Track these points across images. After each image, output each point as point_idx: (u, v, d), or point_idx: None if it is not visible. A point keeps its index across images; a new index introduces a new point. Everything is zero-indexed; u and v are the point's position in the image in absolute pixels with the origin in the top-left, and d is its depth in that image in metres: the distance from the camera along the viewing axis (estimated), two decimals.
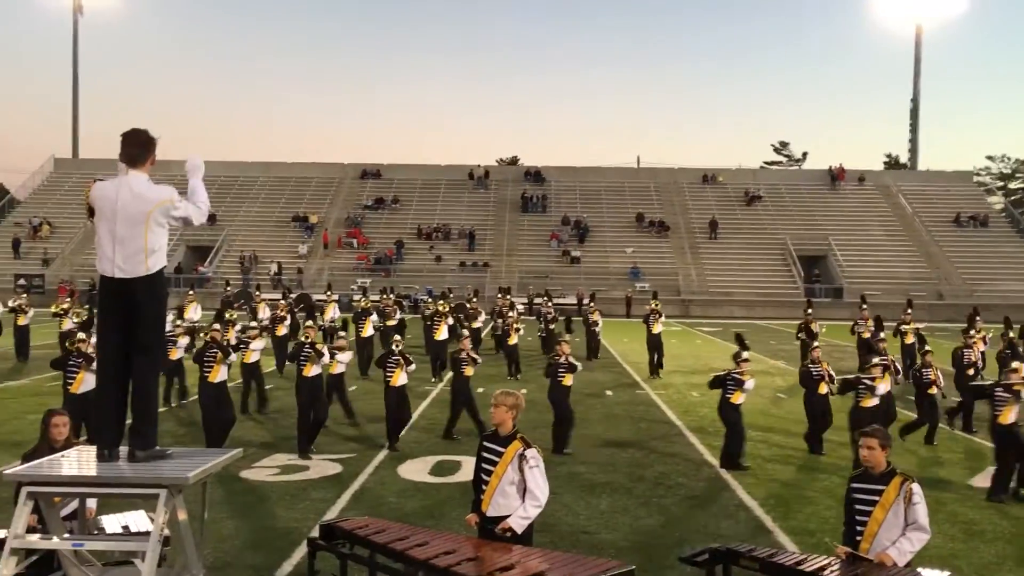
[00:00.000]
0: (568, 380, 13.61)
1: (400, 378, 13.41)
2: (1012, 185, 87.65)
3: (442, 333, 22.35)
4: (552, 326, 26.68)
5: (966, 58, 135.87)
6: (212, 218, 56.39)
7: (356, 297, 29.07)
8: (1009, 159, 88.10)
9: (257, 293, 28.99)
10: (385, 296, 29.13)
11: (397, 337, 14.34)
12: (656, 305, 24.73)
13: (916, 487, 5.76)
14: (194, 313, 25.41)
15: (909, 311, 22.85)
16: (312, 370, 13.15)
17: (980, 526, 9.72)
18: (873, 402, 12.55)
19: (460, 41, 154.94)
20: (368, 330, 22.42)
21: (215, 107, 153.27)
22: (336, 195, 61.98)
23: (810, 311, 24.33)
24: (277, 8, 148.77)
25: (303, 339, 13.86)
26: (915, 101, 70.03)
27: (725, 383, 12.63)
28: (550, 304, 29.00)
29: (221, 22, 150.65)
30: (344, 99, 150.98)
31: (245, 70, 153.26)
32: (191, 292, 28.10)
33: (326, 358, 13.50)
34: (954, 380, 16.70)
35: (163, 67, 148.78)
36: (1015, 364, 11.58)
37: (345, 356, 14.84)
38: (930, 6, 67.82)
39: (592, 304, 27.70)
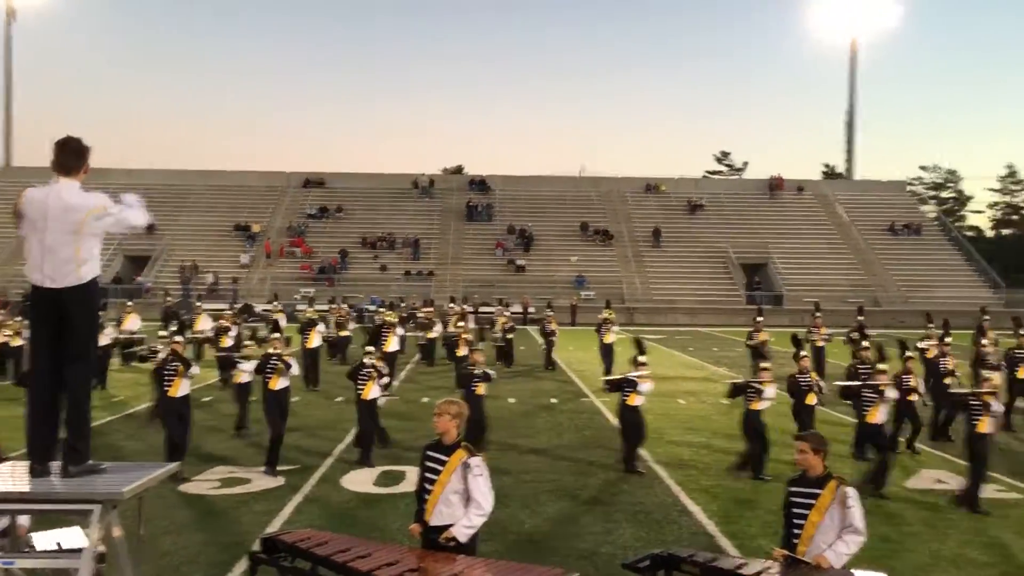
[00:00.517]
0: (482, 389, 13.76)
1: (372, 391, 13.06)
2: (944, 194, 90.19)
3: (392, 344, 21.99)
4: (511, 336, 26.26)
5: (899, 70, 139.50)
6: (150, 227, 55.33)
7: (301, 307, 28.47)
8: (941, 169, 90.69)
9: (198, 304, 28.33)
10: (335, 307, 28.67)
11: (371, 349, 13.84)
12: (609, 315, 24.66)
13: (851, 490, 5.87)
14: (132, 324, 24.79)
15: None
16: (279, 382, 12.61)
17: (915, 528, 9.96)
18: (763, 405, 12.68)
19: (405, 50, 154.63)
20: (315, 341, 22.00)
21: (154, 114, 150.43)
22: (279, 204, 61.26)
23: (759, 318, 24.24)
24: (218, 14, 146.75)
25: (270, 351, 13.06)
26: (851, 112, 71.80)
27: (623, 387, 12.96)
28: (507, 313, 28.43)
29: (160, 27, 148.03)
30: (287, 107, 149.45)
31: (184, 76, 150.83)
32: (129, 303, 27.43)
33: (295, 369, 13.06)
34: (931, 388, 16.78)
35: (100, 74, 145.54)
36: (987, 373, 11.92)
37: (248, 365, 14.62)
38: (864, 20, 69.67)
39: (551, 314, 27.18)
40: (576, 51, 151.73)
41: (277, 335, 13.91)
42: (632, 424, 12.80)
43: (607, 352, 22.91)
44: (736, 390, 13.26)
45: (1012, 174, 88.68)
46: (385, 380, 13.49)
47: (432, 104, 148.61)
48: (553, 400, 19.58)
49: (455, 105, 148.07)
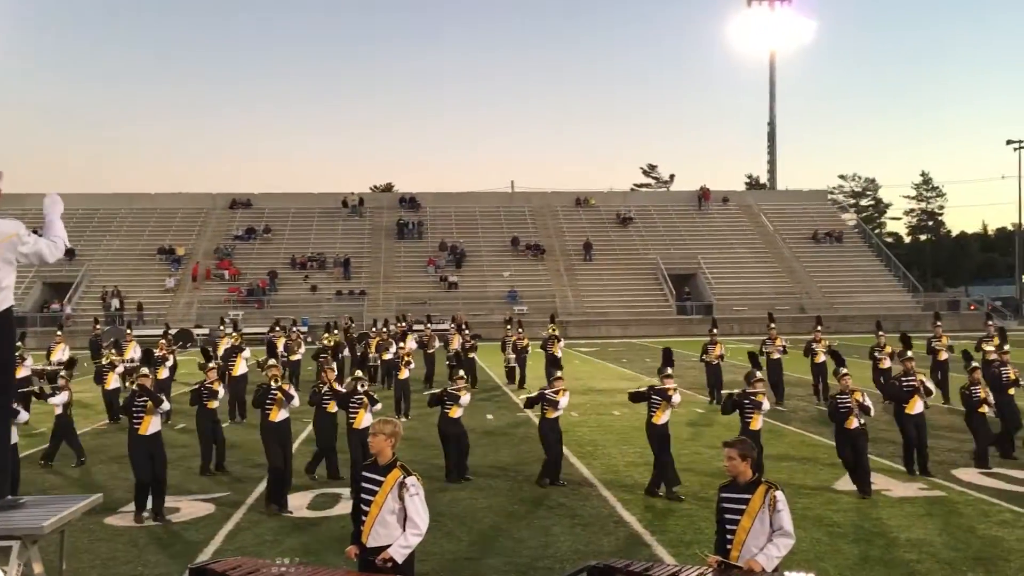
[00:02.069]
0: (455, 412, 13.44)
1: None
2: (863, 202, 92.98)
3: (239, 368, 21.04)
4: (472, 355, 25.48)
5: (816, 83, 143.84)
6: (71, 253, 53.73)
7: (228, 331, 26.48)
8: (860, 178, 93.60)
9: (128, 332, 27.17)
10: (280, 328, 27.32)
11: (359, 373, 13.43)
12: (554, 330, 24.42)
13: (780, 494, 5.99)
14: (62, 354, 23.59)
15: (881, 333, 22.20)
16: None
17: (844, 528, 10.18)
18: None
19: (329, 67, 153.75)
20: (240, 368, 20.73)
21: (74, 138, 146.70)
22: (204, 226, 60.14)
23: (773, 325, 22.71)
24: (138, 34, 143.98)
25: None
26: (772, 124, 73.69)
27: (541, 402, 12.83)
28: (467, 331, 27.13)
29: (78, 47, 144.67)
30: (211, 128, 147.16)
31: (104, 98, 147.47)
32: (59, 332, 26.46)
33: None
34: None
35: (19, 96, 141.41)
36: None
37: (60, 398, 14.59)
38: (781, 34, 71.62)
39: (520, 330, 26.39)
40: (503, 68, 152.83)
41: (273, 362, 13.20)
42: (549, 442, 12.65)
43: (556, 366, 22.30)
44: (638, 397, 12.66)
45: (927, 182, 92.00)
46: (378, 406, 12.82)
47: (361, 122, 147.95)
48: (489, 416, 19.55)
49: (384, 123, 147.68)
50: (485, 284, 54.69)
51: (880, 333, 21.83)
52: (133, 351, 23.58)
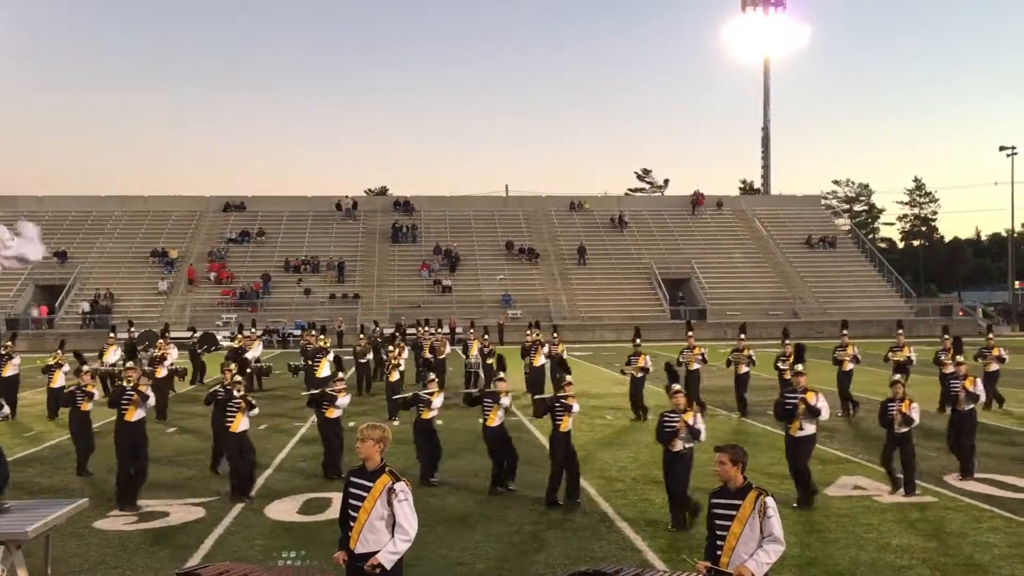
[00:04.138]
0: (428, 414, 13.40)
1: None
2: (856, 208, 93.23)
3: (323, 370, 21.48)
4: (490, 361, 24.12)
5: (810, 89, 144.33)
6: (63, 255, 53.65)
7: (225, 334, 27.13)
8: (853, 183, 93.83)
9: (164, 336, 26.84)
10: (309, 332, 27.44)
11: (238, 379, 13.28)
12: (536, 335, 23.32)
13: (770, 500, 5.96)
14: (114, 355, 24.02)
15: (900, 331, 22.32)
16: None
17: (835, 534, 10.17)
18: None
19: (324, 71, 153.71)
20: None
21: (67, 139, 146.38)
22: (198, 229, 60.02)
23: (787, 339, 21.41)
24: (132, 37, 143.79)
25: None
26: (766, 129, 73.77)
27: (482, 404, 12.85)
28: (487, 338, 25.89)
29: (72, 50, 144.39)
30: (205, 131, 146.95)
31: (99, 101, 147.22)
32: (112, 335, 26.30)
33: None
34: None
35: (12, 98, 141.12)
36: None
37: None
38: (775, 40, 71.80)
39: (556, 335, 24.88)
40: (498, 73, 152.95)
41: (132, 364, 13.71)
42: (497, 442, 12.61)
43: (536, 377, 22.02)
44: (543, 408, 12.29)
45: (920, 187, 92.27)
46: (255, 411, 12.84)
47: (355, 126, 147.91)
48: (480, 420, 19.45)
49: (379, 127, 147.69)
50: (479, 288, 54.65)
51: (844, 332, 20.91)
52: (171, 354, 23.61)
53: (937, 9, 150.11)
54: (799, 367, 12.57)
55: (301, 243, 58.82)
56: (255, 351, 25.37)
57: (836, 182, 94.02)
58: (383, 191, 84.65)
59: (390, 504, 6.10)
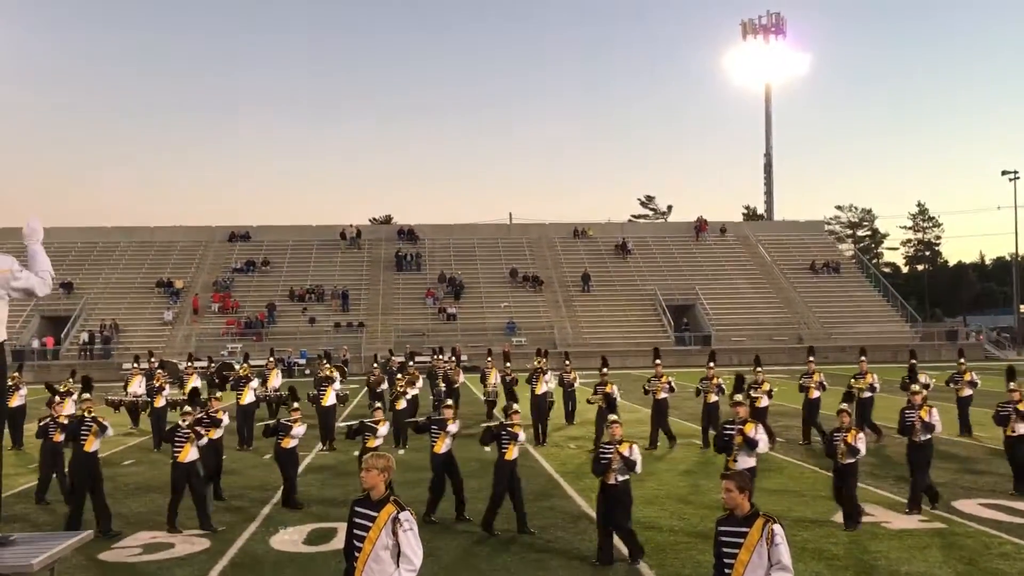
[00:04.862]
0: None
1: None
2: (860, 233, 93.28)
3: (329, 399, 21.55)
4: (516, 388, 22.49)
5: (813, 114, 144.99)
6: (68, 286, 53.86)
7: (233, 362, 27.17)
8: (856, 208, 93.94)
9: (189, 364, 26.66)
10: (324, 363, 27.03)
11: (188, 409, 13.15)
12: (541, 363, 22.66)
13: (778, 528, 5.93)
14: (138, 387, 24.28)
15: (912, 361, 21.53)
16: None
17: (843, 562, 10.09)
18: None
19: (328, 99, 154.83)
20: (248, 397, 21.58)
21: (72, 171, 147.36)
22: (203, 259, 60.23)
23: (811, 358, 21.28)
24: (135, 67, 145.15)
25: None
26: (768, 155, 74.06)
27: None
28: (508, 366, 24.81)
29: (75, 80, 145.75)
30: (210, 161, 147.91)
31: (104, 131, 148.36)
32: (135, 365, 26.37)
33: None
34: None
35: (16, 129, 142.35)
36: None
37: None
38: (776, 67, 72.28)
39: (568, 363, 24.18)
40: (502, 100, 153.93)
41: (87, 395, 13.61)
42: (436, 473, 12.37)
43: (540, 405, 21.36)
44: (489, 436, 12.12)
45: (923, 212, 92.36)
46: (203, 441, 12.79)
47: (360, 155, 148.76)
48: (487, 449, 19.38)
49: (383, 155, 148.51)
50: (483, 316, 54.65)
51: (863, 359, 20.72)
52: (194, 381, 23.49)
53: (938, 35, 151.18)
54: (738, 397, 12.19)
55: (306, 272, 58.97)
56: (276, 381, 25.38)
57: (839, 207, 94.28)
58: (387, 220, 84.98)
59: (395, 534, 6.05)
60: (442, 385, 24.87)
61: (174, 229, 64.03)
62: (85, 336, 50.12)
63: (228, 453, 18.74)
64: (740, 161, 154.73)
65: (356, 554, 6.14)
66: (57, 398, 15.42)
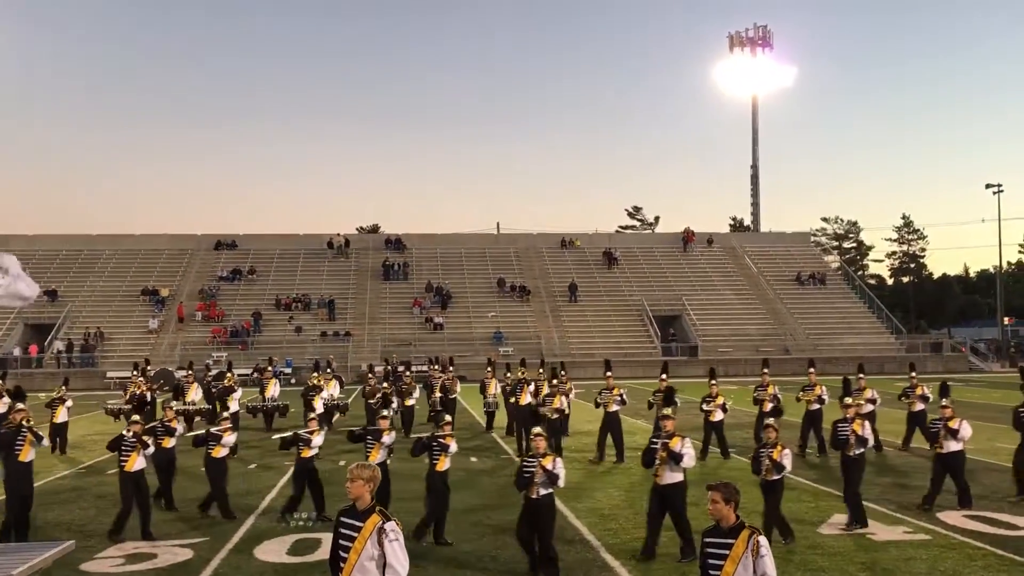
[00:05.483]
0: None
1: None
2: (845, 245, 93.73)
3: (317, 407, 21.50)
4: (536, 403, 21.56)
5: (800, 126, 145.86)
6: (53, 294, 53.51)
7: (214, 372, 27.50)
8: (842, 220, 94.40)
9: (188, 373, 26.69)
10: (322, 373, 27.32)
11: (136, 418, 13.05)
12: (522, 373, 22.12)
13: (763, 540, 5.93)
14: (195, 395, 24.59)
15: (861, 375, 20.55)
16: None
17: (829, 573, 10.11)
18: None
19: (315, 108, 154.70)
20: (233, 406, 21.54)
21: (58, 178, 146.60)
22: (189, 267, 59.96)
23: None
24: (122, 76, 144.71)
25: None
26: (755, 167, 74.41)
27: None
28: (509, 376, 24.05)
29: (62, 88, 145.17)
30: (196, 169, 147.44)
31: (89, 139, 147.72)
32: (189, 373, 26.20)
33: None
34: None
35: (1, 137, 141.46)
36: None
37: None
38: (762, 79, 72.72)
39: (564, 374, 21.88)
40: (489, 110, 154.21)
41: (21, 405, 13.48)
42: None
43: (524, 416, 20.25)
44: (420, 447, 12.09)
45: (908, 224, 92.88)
46: (150, 451, 12.69)
47: (347, 163, 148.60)
48: (473, 459, 19.38)
49: (370, 164, 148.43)
50: (471, 325, 54.61)
51: (860, 376, 20.41)
52: (194, 393, 24.50)
53: (923, 49, 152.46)
54: (666, 411, 11.79)
55: (292, 281, 58.80)
56: (274, 390, 25.35)
57: (825, 219, 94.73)
58: (374, 229, 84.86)
59: (380, 544, 6.03)
60: (438, 395, 24.70)
61: (160, 237, 63.74)
62: (59, 345, 49.71)
63: None
64: (727, 172, 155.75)
65: (341, 565, 6.12)
66: (19, 405, 15.13)
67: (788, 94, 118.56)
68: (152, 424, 13.72)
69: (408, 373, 24.77)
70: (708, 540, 6.15)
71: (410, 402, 23.45)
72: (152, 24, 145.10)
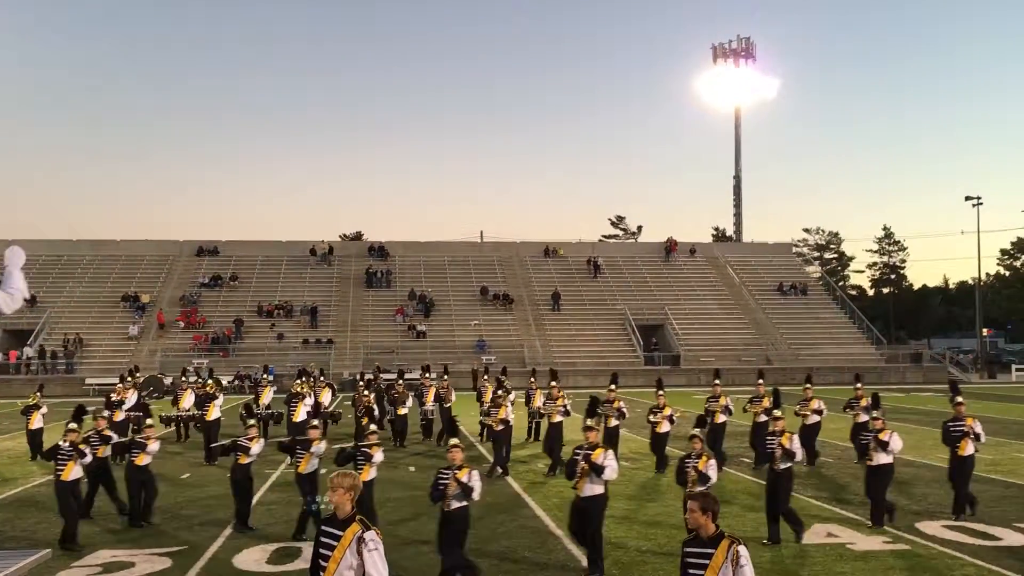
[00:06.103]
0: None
1: (73, 472, 12.36)
2: (827, 255, 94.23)
3: (299, 415, 21.39)
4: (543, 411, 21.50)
5: (782, 138, 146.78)
6: (32, 300, 53.01)
7: (192, 379, 27.45)
8: (823, 231, 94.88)
9: (183, 379, 26.71)
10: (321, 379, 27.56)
11: (73, 426, 12.91)
12: (505, 381, 22.15)
13: (743, 549, 5.94)
14: (188, 402, 24.54)
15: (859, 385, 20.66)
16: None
17: None
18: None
19: (299, 115, 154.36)
20: (214, 413, 21.44)
21: (39, 182, 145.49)
22: (170, 273, 59.60)
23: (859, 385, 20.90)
24: (105, 79, 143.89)
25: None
26: (737, 178, 74.86)
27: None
28: (505, 379, 24.24)
29: (43, 90, 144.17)
30: (178, 175, 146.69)
31: (71, 143, 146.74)
32: (184, 380, 26.12)
33: (88, 459, 12.66)
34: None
35: None
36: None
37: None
38: (745, 90, 73.25)
39: (556, 384, 21.36)
40: (473, 120, 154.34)
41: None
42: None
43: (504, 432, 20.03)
44: (344, 457, 12.03)
45: (889, 236, 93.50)
46: (88, 460, 12.71)
47: (330, 171, 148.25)
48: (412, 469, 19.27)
49: (354, 172, 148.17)
50: (453, 333, 54.54)
51: (858, 386, 20.37)
52: (187, 400, 24.61)
53: (904, 61, 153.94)
54: (590, 422, 11.56)
55: (275, 288, 58.54)
56: (267, 397, 25.28)
57: (807, 230, 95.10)
58: (358, 236, 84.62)
59: (360, 554, 6.00)
60: (430, 403, 24.40)
61: (141, 243, 63.32)
62: (30, 351, 49.26)
63: (192, 469, 18.61)
64: (710, 183, 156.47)
65: (321, 573, 6.07)
66: None
67: (771, 105, 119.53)
68: (88, 433, 13.57)
69: (400, 381, 24.62)
70: (688, 550, 6.15)
71: (403, 411, 23.30)
72: (135, 31, 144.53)
